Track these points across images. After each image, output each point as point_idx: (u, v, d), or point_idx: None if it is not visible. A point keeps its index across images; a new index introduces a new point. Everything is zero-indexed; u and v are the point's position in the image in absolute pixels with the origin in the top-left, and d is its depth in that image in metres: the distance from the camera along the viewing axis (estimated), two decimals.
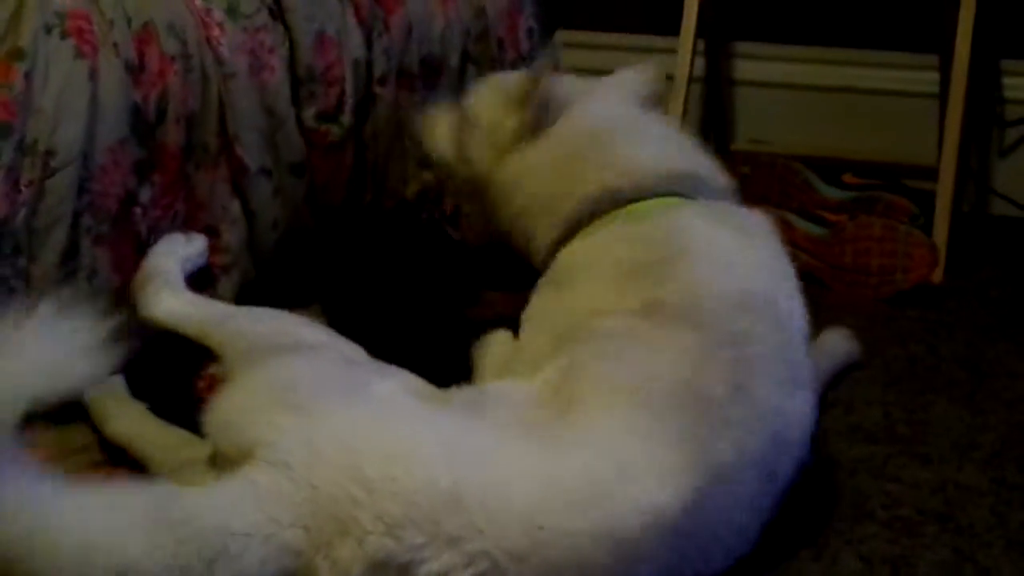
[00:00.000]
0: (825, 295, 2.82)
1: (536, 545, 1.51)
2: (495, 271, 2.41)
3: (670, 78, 3.14)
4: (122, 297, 2.03)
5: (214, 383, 2.05)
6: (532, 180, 2.06)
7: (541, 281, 1.99)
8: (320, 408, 1.58)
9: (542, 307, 1.95)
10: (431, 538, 1.48)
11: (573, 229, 1.98)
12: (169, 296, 2.00)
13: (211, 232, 2.19)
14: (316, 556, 1.48)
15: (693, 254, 1.84)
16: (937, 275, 2.83)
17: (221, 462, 1.62)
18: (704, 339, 1.72)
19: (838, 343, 2.37)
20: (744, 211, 2.01)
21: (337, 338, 1.86)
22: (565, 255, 1.97)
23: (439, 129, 2.24)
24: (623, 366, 1.70)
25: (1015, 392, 2.34)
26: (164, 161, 2.08)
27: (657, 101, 2.20)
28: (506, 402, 1.71)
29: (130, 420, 1.95)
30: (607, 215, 1.96)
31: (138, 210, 2.05)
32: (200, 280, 2.15)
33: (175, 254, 2.07)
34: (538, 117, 2.05)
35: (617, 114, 2.09)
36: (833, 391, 2.32)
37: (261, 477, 1.52)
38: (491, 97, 2.16)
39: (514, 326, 1.97)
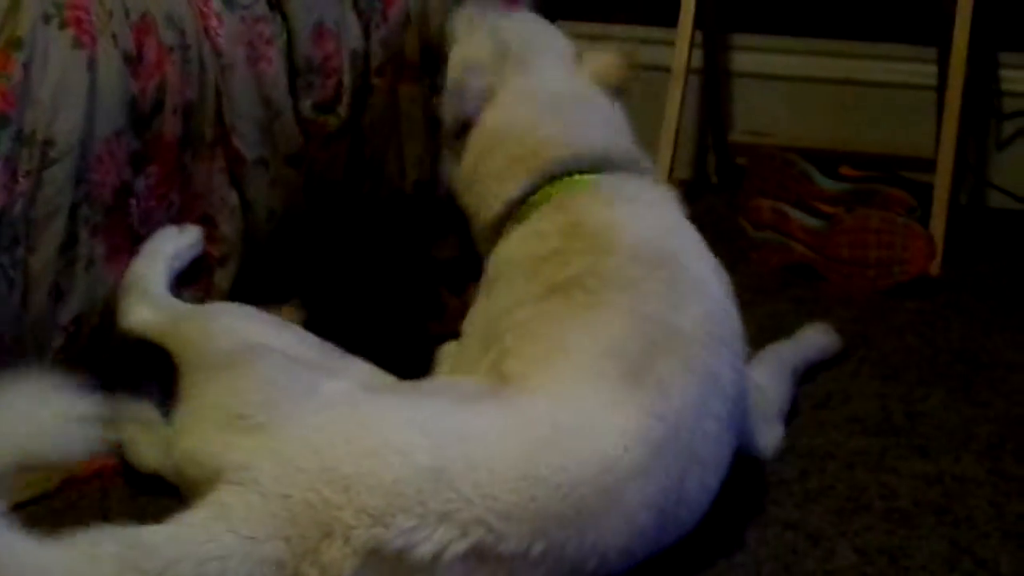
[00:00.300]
0: (822, 287, 2.82)
1: (523, 500, 1.53)
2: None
3: (668, 70, 3.14)
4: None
5: None
6: (465, 183, 2.09)
7: (480, 287, 2.03)
8: (276, 420, 1.58)
9: (473, 316, 2.00)
10: (421, 519, 1.49)
11: (495, 233, 2.03)
12: (141, 307, 2.00)
13: (208, 222, 2.19)
14: (302, 564, 1.48)
15: (584, 233, 1.88)
16: (934, 267, 2.83)
17: (192, 493, 1.60)
18: (607, 297, 1.77)
19: (816, 337, 2.40)
20: (646, 183, 2.03)
21: (289, 332, 1.88)
22: (490, 262, 2.01)
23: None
24: (546, 336, 1.74)
25: (1012, 384, 2.34)
26: (161, 152, 2.08)
27: (605, 78, 2.17)
28: (454, 387, 1.77)
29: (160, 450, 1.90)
30: (519, 214, 1.99)
31: (133, 200, 2.05)
32: (196, 271, 2.16)
33: (162, 254, 2.07)
34: (454, 120, 2.08)
35: (522, 110, 2.07)
36: (833, 382, 2.33)
37: (230, 499, 1.51)
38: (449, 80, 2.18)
39: None
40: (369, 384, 1.74)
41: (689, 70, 3.16)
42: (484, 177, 2.04)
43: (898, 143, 3.33)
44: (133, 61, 2.02)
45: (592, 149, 2.02)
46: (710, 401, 1.74)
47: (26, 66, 1.89)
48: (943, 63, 3.08)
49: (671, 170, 3.12)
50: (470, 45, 2.17)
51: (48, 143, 1.92)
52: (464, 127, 2.07)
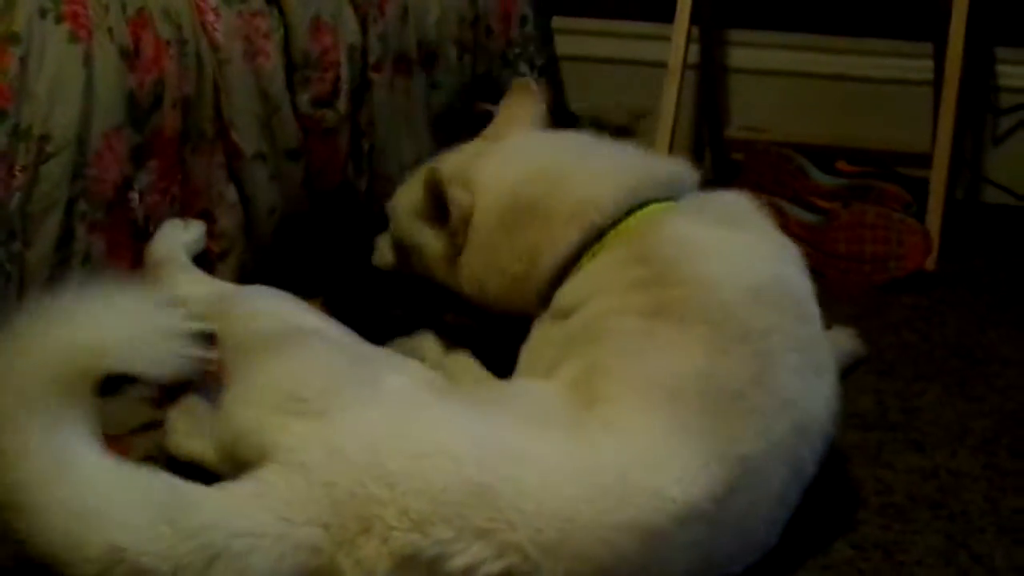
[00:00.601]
0: (818, 282, 2.79)
1: (566, 538, 1.49)
2: None
3: (664, 66, 3.14)
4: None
5: None
6: (494, 275, 1.94)
7: (542, 317, 1.90)
8: (333, 407, 1.56)
9: (544, 336, 1.88)
10: (459, 532, 1.47)
11: (560, 276, 1.88)
12: (184, 277, 2.02)
13: (207, 218, 2.19)
14: (338, 554, 1.47)
15: (693, 256, 1.76)
16: (930, 263, 2.83)
17: (237, 474, 1.58)
18: (721, 333, 1.68)
19: (844, 341, 2.36)
20: (726, 197, 1.93)
21: (336, 326, 1.84)
22: (564, 292, 1.87)
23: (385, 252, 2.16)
24: (645, 362, 1.66)
25: (1008, 379, 2.35)
26: (161, 146, 2.08)
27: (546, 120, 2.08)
28: (528, 397, 1.69)
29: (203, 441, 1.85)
30: (593, 248, 1.86)
31: (134, 195, 2.05)
32: (198, 266, 2.16)
33: (177, 239, 2.08)
34: (451, 222, 1.93)
35: (531, 158, 1.95)
36: None
37: (274, 478, 1.51)
38: (407, 222, 2.04)
39: None
40: (430, 383, 1.70)
41: (685, 66, 3.16)
42: (525, 251, 1.90)
43: (894, 138, 3.33)
44: (130, 55, 2.03)
45: (642, 176, 1.89)
46: (778, 463, 1.66)
47: (23, 60, 1.89)
48: (939, 58, 3.09)
49: None
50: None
51: (44, 138, 1.92)
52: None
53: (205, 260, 2.18)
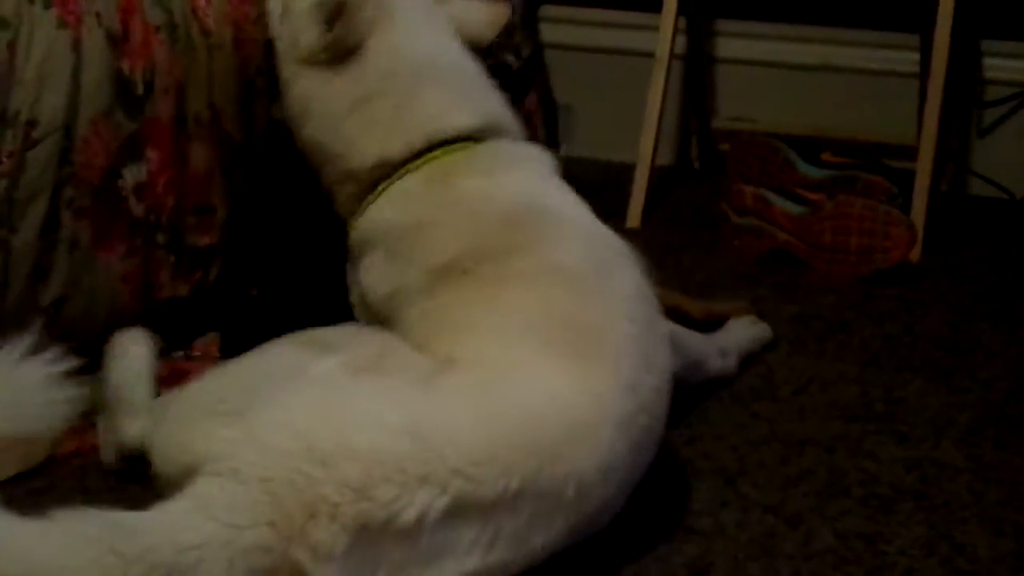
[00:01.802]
0: (803, 273, 2.83)
1: (492, 442, 1.55)
2: None
3: (651, 56, 3.15)
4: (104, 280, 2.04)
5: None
6: (319, 119, 1.96)
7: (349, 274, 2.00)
8: (255, 404, 1.57)
9: (353, 297, 1.99)
10: (402, 487, 1.49)
11: (364, 192, 1.96)
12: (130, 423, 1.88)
13: (207, 209, 2.18)
14: (290, 547, 1.46)
15: (458, 202, 1.87)
16: (915, 254, 2.84)
17: (171, 485, 1.58)
18: (491, 270, 1.78)
19: (742, 328, 2.40)
20: (521, 149, 1.99)
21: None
22: (356, 228, 1.96)
23: None
24: (457, 325, 1.75)
25: (991, 371, 2.36)
26: (157, 134, 2.07)
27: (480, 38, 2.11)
28: (412, 365, 1.73)
29: None
30: (390, 178, 1.94)
31: (123, 183, 2.04)
32: (193, 262, 2.15)
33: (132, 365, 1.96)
34: (338, 39, 1.92)
35: (398, 65, 1.96)
36: (813, 368, 2.34)
37: (209, 488, 1.50)
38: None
39: None
40: (356, 364, 1.70)
41: (673, 56, 3.17)
42: (364, 123, 1.95)
43: (880, 130, 3.34)
44: (119, 41, 2.02)
45: (475, 117, 1.97)
46: (626, 310, 1.77)
47: (11, 46, 1.89)
48: (925, 50, 3.10)
49: (654, 156, 3.13)
50: None
51: (31, 123, 1.92)
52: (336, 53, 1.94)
53: (199, 255, 2.17)
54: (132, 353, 1.90)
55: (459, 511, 1.52)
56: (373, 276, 1.91)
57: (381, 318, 1.88)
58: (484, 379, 1.64)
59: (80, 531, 1.43)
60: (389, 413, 1.56)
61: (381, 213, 1.92)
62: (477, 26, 2.10)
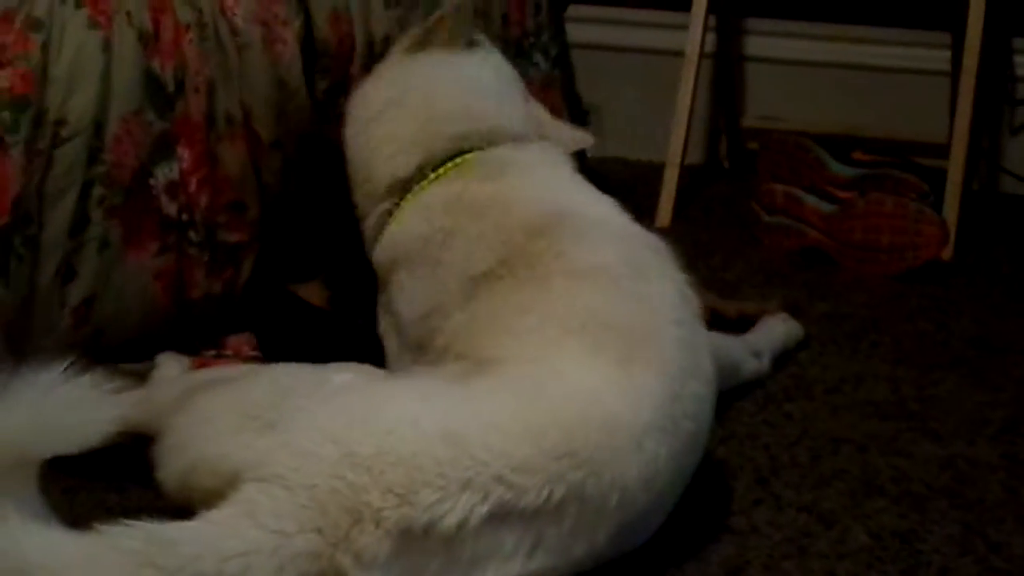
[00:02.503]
0: (834, 272, 2.82)
1: (536, 449, 1.54)
2: None
3: (681, 55, 3.14)
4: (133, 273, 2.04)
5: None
6: (355, 160, 2.09)
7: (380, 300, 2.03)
8: (285, 416, 1.57)
9: (384, 319, 2.00)
10: (444, 491, 1.48)
11: (381, 219, 2.02)
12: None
13: (239, 207, 2.18)
14: (336, 553, 1.46)
15: (470, 208, 1.90)
16: (947, 253, 2.83)
17: (204, 504, 1.54)
18: (525, 275, 1.78)
19: (775, 327, 2.39)
20: (534, 151, 2.03)
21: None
22: (376, 254, 2.01)
23: None
24: (496, 331, 1.75)
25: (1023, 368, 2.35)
26: (189, 133, 2.08)
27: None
28: (445, 372, 1.74)
29: None
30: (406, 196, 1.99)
31: (154, 182, 2.04)
32: (225, 260, 2.15)
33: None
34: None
35: (388, 95, 2.06)
36: (846, 367, 2.33)
37: (255, 495, 1.49)
38: None
39: None
40: (375, 374, 1.74)
41: (702, 55, 3.16)
42: (376, 142, 2.04)
43: (911, 129, 3.32)
44: (150, 39, 2.02)
45: (483, 124, 2.01)
46: (669, 313, 1.75)
47: (45, 47, 1.89)
48: (957, 49, 3.08)
49: (683, 155, 3.12)
50: None
51: (60, 122, 1.93)
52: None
53: (231, 251, 2.18)
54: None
55: (501, 518, 1.51)
56: (407, 295, 1.92)
57: (415, 342, 1.88)
58: (526, 382, 1.62)
59: (120, 545, 1.43)
60: (426, 417, 1.55)
61: (405, 228, 1.95)
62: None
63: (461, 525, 1.49)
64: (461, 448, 1.51)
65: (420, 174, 1.98)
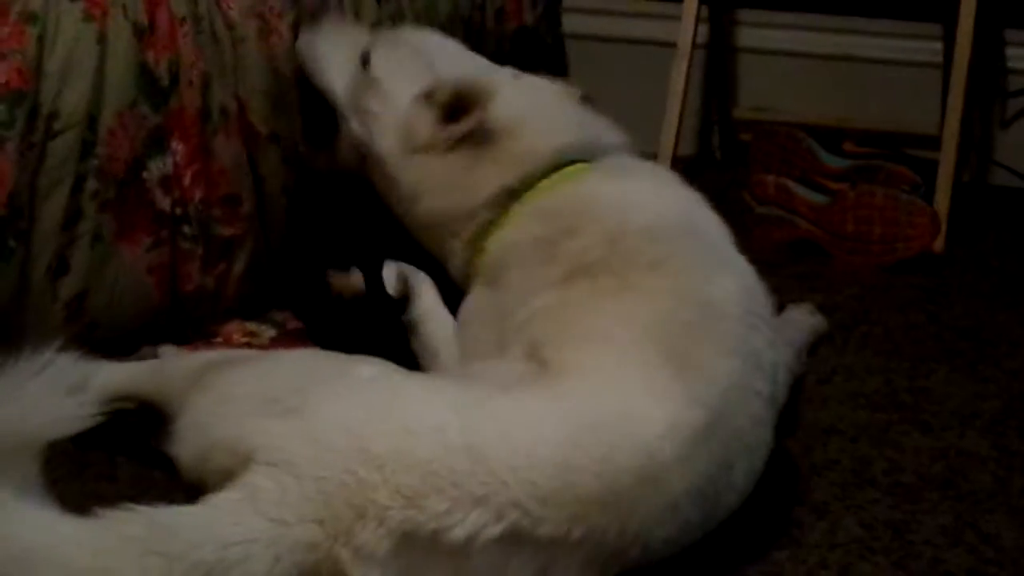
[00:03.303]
0: (826, 263, 2.83)
1: (563, 485, 1.50)
2: None
3: (673, 45, 3.15)
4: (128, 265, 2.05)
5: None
6: (437, 190, 2.05)
7: (475, 282, 2.02)
8: (308, 403, 1.55)
9: (479, 307, 1.98)
10: (455, 502, 1.47)
11: (485, 228, 2.01)
12: (109, 367, 1.92)
13: (234, 200, 2.18)
14: (335, 546, 1.45)
15: (595, 210, 1.89)
16: (938, 244, 2.84)
17: (219, 484, 1.54)
18: (635, 279, 1.75)
19: (802, 317, 2.38)
20: (641, 162, 2.07)
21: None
22: (488, 255, 1.99)
23: (335, 67, 2.19)
24: (579, 323, 1.72)
25: (1016, 360, 2.35)
26: (183, 126, 2.08)
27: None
28: (490, 373, 1.73)
29: None
30: (516, 202, 2.00)
31: (148, 176, 2.04)
32: (219, 254, 2.15)
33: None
34: (468, 135, 2.01)
35: (503, 107, 2.03)
36: (837, 358, 2.34)
37: (261, 481, 1.48)
38: (404, 78, 2.11)
39: None
40: (400, 370, 1.71)
41: (694, 45, 3.16)
42: (464, 177, 2.03)
43: (902, 120, 3.33)
44: (145, 33, 2.02)
45: (584, 137, 2.04)
46: (753, 381, 1.70)
47: (40, 40, 1.89)
48: (949, 40, 3.09)
49: (675, 145, 3.13)
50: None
51: (53, 115, 1.92)
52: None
53: (224, 245, 2.18)
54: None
55: (513, 542, 1.49)
56: (519, 295, 1.86)
57: (509, 327, 1.84)
58: (577, 409, 1.58)
59: (121, 532, 1.43)
60: (451, 423, 1.52)
61: (520, 231, 1.95)
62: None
63: (469, 540, 1.47)
64: (482, 464, 1.48)
65: (525, 185, 1.99)
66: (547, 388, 1.61)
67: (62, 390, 1.61)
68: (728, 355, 1.69)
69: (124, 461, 1.89)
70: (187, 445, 1.65)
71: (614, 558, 1.55)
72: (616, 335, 1.68)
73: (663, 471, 1.56)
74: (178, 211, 2.09)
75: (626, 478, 1.53)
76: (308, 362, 1.72)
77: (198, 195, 2.10)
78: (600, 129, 2.10)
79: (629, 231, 1.82)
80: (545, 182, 1.98)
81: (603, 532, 1.53)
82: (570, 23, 3.12)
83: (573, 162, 2.00)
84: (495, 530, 1.48)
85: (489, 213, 2.00)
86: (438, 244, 2.09)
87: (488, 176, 2.01)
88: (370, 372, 1.65)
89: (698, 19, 3.15)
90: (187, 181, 2.09)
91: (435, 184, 2.05)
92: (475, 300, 2.00)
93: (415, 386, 1.65)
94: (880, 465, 1.98)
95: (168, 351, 2.07)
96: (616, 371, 1.63)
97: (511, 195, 1.99)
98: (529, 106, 2.07)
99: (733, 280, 1.81)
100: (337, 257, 2.25)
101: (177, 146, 2.07)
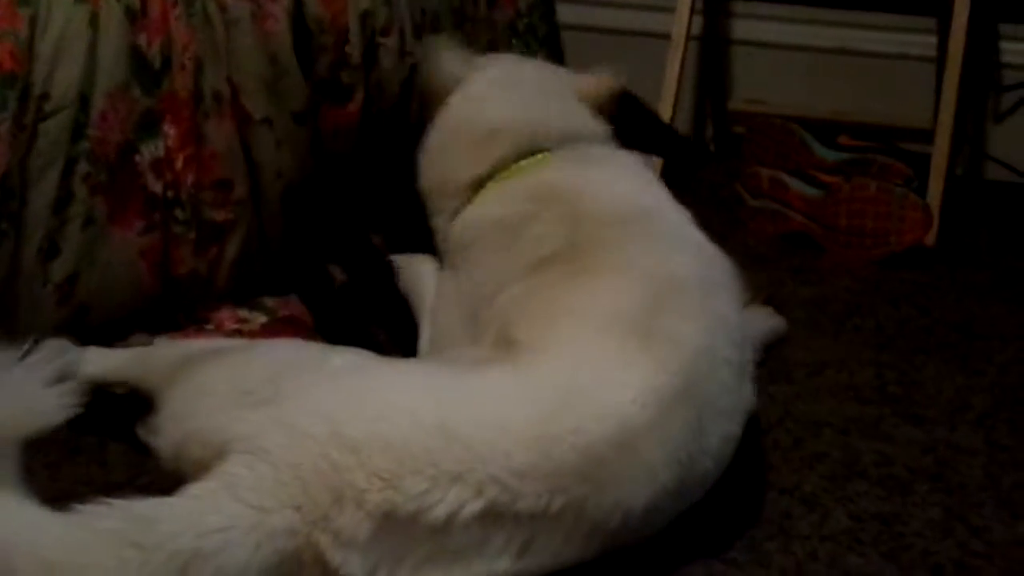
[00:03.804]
0: (819, 256, 2.83)
1: (541, 458, 1.52)
2: None
3: (667, 37, 3.14)
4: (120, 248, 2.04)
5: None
6: (427, 162, 2.18)
7: (444, 265, 2.09)
8: (282, 392, 1.56)
9: (446, 293, 2.04)
10: (433, 481, 1.48)
11: (459, 205, 2.08)
12: (91, 354, 1.95)
13: (225, 185, 2.17)
14: (314, 531, 1.46)
15: (554, 197, 1.93)
16: (930, 238, 2.84)
17: (196, 475, 1.55)
18: (597, 259, 1.78)
19: (762, 319, 2.38)
20: (610, 151, 2.09)
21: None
22: (455, 229, 2.06)
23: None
24: (547, 304, 1.74)
25: (1007, 354, 2.36)
26: (176, 110, 2.07)
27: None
28: (464, 356, 1.76)
29: None
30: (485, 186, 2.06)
31: (139, 159, 2.04)
32: (210, 237, 2.15)
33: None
34: (428, 100, 2.18)
35: (484, 89, 2.17)
36: (828, 351, 2.34)
37: (237, 469, 1.49)
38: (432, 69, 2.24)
39: None
40: (378, 359, 1.72)
41: (689, 37, 3.16)
42: (450, 158, 2.12)
43: (896, 113, 3.33)
44: (137, 15, 2.02)
45: (552, 126, 2.09)
46: (721, 347, 1.72)
47: (32, 22, 1.89)
48: (943, 34, 3.09)
49: None
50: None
51: (44, 97, 1.92)
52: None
53: (216, 229, 2.17)
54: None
55: (494, 517, 1.50)
56: (479, 270, 1.94)
57: (472, 315, 1.90)
58: (550, 382, 1.60)
59: (98, 526, 1.43)
60: (424, 404, 1.54)
61: (484, 210, 2.01)
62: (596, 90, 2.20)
63: (450, 517, 1.48)
64: (457, 442, 1.50)
65: (495, 170, 2.05)
66: (517, 365, 1.63)
67: (42, 381, 1.61)
68: (691, 320, 1.71)
69: (116, 446, 1.89)
70: (165, 437, 1.66)
71: (596, 530, 1.57)
72: (580, 313, 1.70)
73: (637, 437, 1.58)
74: (170, 195, 2.08)
75: (601, 446, 1.55)
76: (282, 353, 1.73)
77: (190, 179, 2.10)
78: (576, 118, 2.13)
79: (587, 217, 1.86)
80: (512, 167, 2.04)
81: (582, 503, 1.54)
82: (564, 13, 3.12)
83: (542, 150, 2.05)
84: (475, 507, 1.49)
85: (463, 196, 2.07)
86: (431, 219, 2.15)
87: (463, 161, 2.09)
88: (343, 361, 1.67)
89: (693, 11, 3.15)
90: (179, 165, 2.08)
91: (433, 157, 2.16)
92: (443, 286, 2.06)
93: (388, 371, 1.66)
94: (870, 457, 1.98)
95: (161, 343, 2.06)
96: (583, 345, 1.65)
97: (481, 182, 2.06)
98: (504, 95, 2.15)
99: (691, 254, 1.85)
100: (331, 243, 2.27)
101: (169, 129, 2.07)
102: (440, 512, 1.48)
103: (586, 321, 1.69)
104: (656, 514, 1.62)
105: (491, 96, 2.15)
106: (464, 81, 2.17)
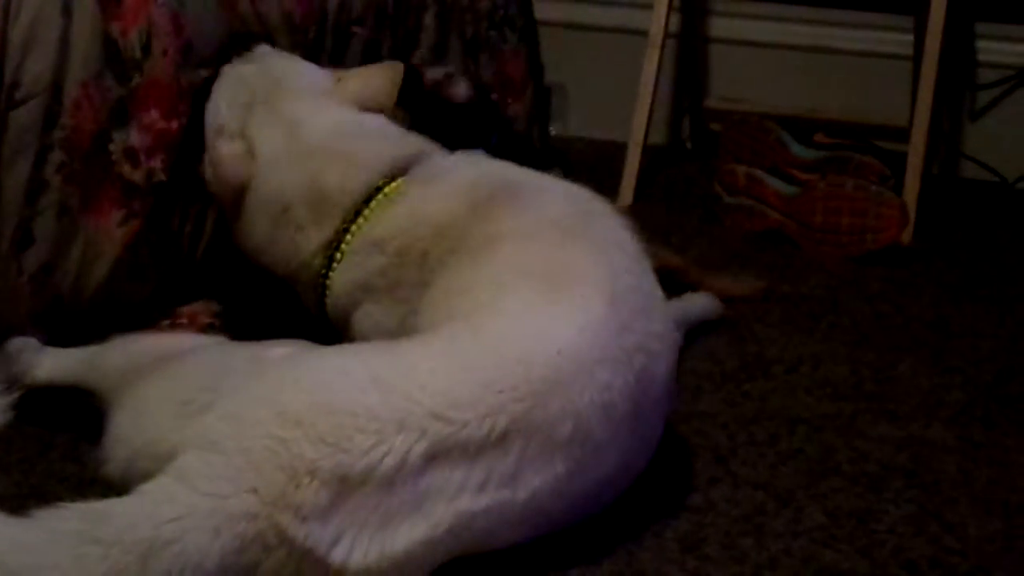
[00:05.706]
0: (795, 253, 2.83)
1: (474, 385, 1.54)
2: None
3: (645, 34, 3.14)
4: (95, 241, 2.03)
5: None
6: (264, 244, 2.03)
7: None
8: (224, 391, 1.58)
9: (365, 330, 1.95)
10: (378, 435, 1.49)
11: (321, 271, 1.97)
12: (45, 357, 1.94)
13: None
14: (274, 512, 1.46)
15: (420, 223, 1.86)
16: (906, 236, 2.84)
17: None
18: (475, 245, 1.78)
19: (699, 299, 2.42)
20: (449, 157, 2.02)
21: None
22: (335, 293, 1.95)
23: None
24: (443, 296, 1.75)
25: (981, 352, 2.36)
26: (158, 93, 2.06)
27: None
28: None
29: None
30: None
31: (113, 148, 2.02)
32: (186, 229, 2.13)
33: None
34: (223, 186, 2.02)
35: (288, 152, 2.00)
36: (804, 347, 2.35)
37: (189, 462, 1.49)
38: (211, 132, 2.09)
39: None
40: (316, 346, 1.73)
41: (666, 35, 3.16)
42: (289, 233, 1.99)
43: (873, 112, 3.34)
44: (109, 3, 2.00)
45: (384, 160, 1.97)
46: (622, 256, 1.76)
47: (5, 9, 1.87)
48: (920, 32, 3.10)
49: (646, 135, 3.12)
50: (216, 101, 2.09)
51: (14, 85, 1.91)
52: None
53: (195, 221, 2.16)
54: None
55: (443, 455, 1.51)
56: (374, 321, 1.90)
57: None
58: (465, 327, 1.63)
59: (55, 528, 1.43)
60: (353, 367, 1.56)
61: (358, 266, 1.92)
62: (376, 94, 2.09)
63: (400, 465, 1.49)
64: (393, 391, 1.52)
65: (344, 222, 1.93)
66: (444, 330, 1.65)
67: None
68: (595, 253, 1.74)
69: (89, 442, 1.87)
70: (112, 461, 1.67)
71: (549, 444, 1.57)
72: (487, 283, 1.71)
73: (565, 347, 1.60)
74: (147, 184, 2.07)
75: (530, 362, 1.58)
76: (217, 356, 1.74)
77: (165, 166, 2.08)
78: (403, 140, 2.04)
79: (455, 221, 1.83)
80: (366, 212, 1.93)
81: (525, 416, 1.55)
82: (542, 10, 3.11)
83: (388, 181, 1.94)
84: (421, 448, 1.50)
85: (321, 260, 1.96)
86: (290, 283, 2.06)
87: (306, 236, 1.97)
88: (282, 351, 1.68)
89: (670, 8, 3.15)
90: (158, 152, 2.07)
91: (264, 241, 2.02)
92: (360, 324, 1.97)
93: (323, 352, 1.67)
94: (845, 454, 1.98)
95: (114, 344, 2.02)
96: (502, 295, 1.67)
97: (331, 244, 1.95)
98: (328, 145, 2.01)
99: (559, 196, 1.87)
100: None
101: (149, 116, 2.05)
102: (390, 462, 1.48)
103: (496, 285, 1.70)
104: (612, 419, 1.63)
105: (303, 148, 1.99)
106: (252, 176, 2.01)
